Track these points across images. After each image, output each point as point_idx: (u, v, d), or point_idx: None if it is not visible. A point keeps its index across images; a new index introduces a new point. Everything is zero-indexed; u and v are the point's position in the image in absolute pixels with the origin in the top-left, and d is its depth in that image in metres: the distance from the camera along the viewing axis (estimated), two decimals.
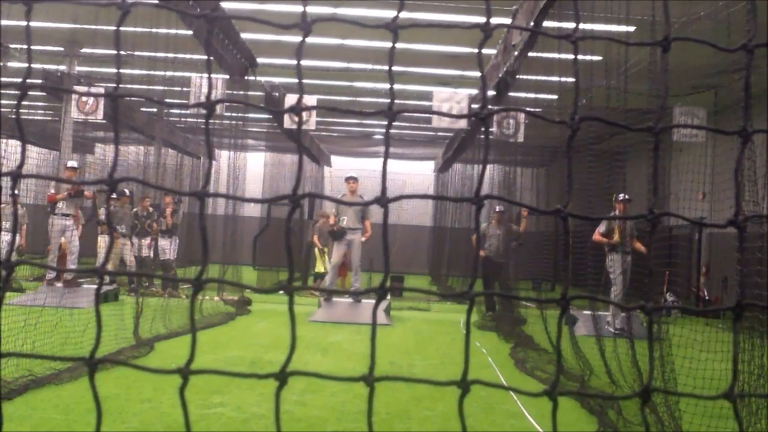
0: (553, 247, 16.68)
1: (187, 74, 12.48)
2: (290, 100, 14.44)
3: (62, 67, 15.71)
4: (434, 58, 14.35)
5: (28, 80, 1.01)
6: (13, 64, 14.99)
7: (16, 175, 0.97)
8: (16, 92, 1.09)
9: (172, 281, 16.39)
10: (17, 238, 13.37)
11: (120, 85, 1.09)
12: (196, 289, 1.01)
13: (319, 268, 16.57)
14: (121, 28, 1.06)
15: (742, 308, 0.96)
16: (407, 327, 11.19)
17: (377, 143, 23.67)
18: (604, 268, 10.69)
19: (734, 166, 1.06)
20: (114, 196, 14.74)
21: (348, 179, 12.35)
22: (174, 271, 14.71)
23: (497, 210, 13.32)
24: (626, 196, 10.64)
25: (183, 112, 16.36)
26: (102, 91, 12.30)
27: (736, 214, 0.97)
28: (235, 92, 13.38)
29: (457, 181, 22.14)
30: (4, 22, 10.74)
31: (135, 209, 14.18)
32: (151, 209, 14.36)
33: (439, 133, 21.71)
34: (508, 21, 9.99)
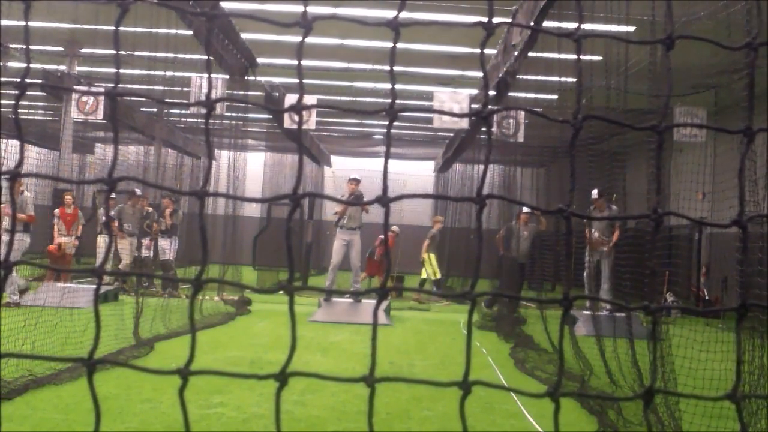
0: (553, 246, 16.64)
1: (187, 74, 12.48)
2: (290, 100, 14.42)
3: (62, 67, 15.70)
4: (434, 58, 14.34)
5: (27, 80, 1.00)
6: (13, 64, 14.98)
7: (15, 174, 0.97)
8: (15, 92, 1.08)
9: (172, 281, 16.38)
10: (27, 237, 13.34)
11: (120, 85, 1.08)
12: (195, 289, 1.01)
13: (426, 274, 16.28)
14: (121, 28, 1.05)
15: (747, 309, 0.96)
16: (407, 327, 11.18)
17: (377, 143, 23.66)
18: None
19: (738, 166, 1.05)
20: (113, 195, 14.76)
21: (350, 180, 12.33)
22: (174, 272, 14.71)
23: (525, 211, 13.16)
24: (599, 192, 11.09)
25: (183, 112, 16.35)
26: (102, 90, 12.28)
27: (740, 214, 0.96)
28: (235, 92, 13.37)
29: (457, 181, 22.12)
30: (4, 22, 10.73)
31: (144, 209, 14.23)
32: (150, 209, 14.37)
33: (439, 133, 21.70)
34: (508, 21, 9.98)
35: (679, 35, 0.96)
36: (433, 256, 16.16)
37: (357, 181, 12.28)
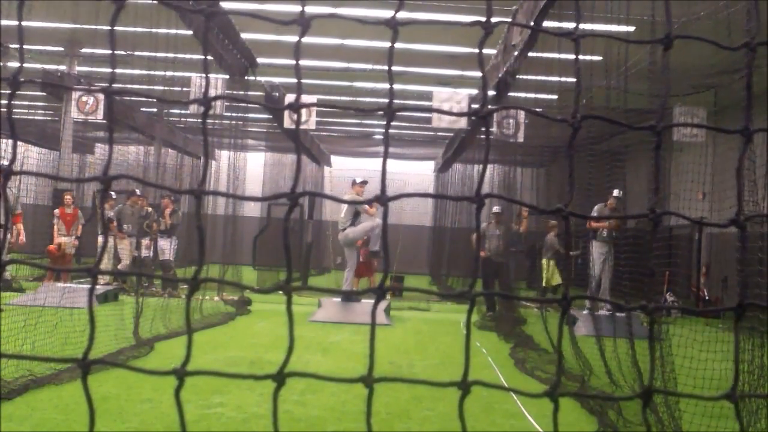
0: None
1: (187, 74, 12.48)
2: (290, 99, 14.33)
3: (62, 67, 15.70)
4: (434, 58, 14.34)
5: (21, 77, 1.00)
6: (13, 64, 14.99)
7: (8, 173, 0.96)
8: (8, 91, 1.08)
9: (171, 281, 16.38)
10: (9, 236, 13.37)
11: (119, 85, 1.08)
12: (191, 288, 1.01)
13: (556, 279, 15.61)
14: (122, 28, 1.05)
15: (744, 308, 0.95)
16: (407, 327, 11.18)
17: (377, 143, 23.67)
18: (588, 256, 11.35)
19: (736, 165, 1.05)
20: (113, 195, 14.75)
21: (359, 183, 11.87)
22: (173, 271, 14.71)
23: (494, 211, 13.33)
24: (620, 193, 11.05)
25: (183, 112, 16.35)
26: (99, 89, 12.26)
27: (738, 214, 0.96)
28: (235, 92, 13.37)
29: (457, 181, 22.13)
30: (4, 22, 10.72)
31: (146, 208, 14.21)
32: (150, 209, 14.37)
33: (439, 133, 21.71)
34: (507, 20, 9.98)
35: (678, 35, 0.96)
36: (552, 262, 15.61)
37: (365, 183, 11.96)
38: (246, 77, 12.80)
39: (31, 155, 18.59)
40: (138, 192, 14.09)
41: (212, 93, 11.36)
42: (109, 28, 1.05)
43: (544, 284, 15.52)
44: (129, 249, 13.84)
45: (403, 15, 1.08)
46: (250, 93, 13.38)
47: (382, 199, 1.02)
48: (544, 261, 15.71)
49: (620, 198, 11.30)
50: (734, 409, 1.03)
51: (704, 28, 9.12)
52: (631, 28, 9.29)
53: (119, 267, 13.48)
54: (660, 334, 5.67)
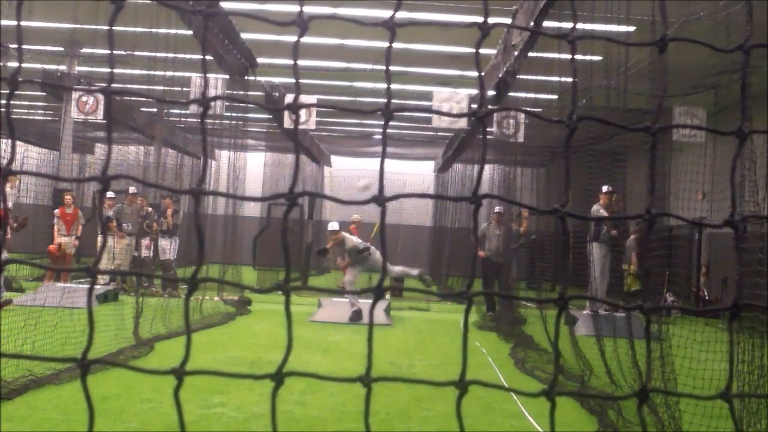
0: (553, 246, 16.61)
1: (187, 74, 12.48)
2: (290, 99, 14.37)
3: (62, 67, 15.71)
4: (434, 58, 14.34)
5: (20, 77, 1.01)
6: (13, 64, 14.98)
7: (6, 173, 0.97)
8: (9, 91, 1.09)
9: (171, 281, 16.38)
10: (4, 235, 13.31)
11: (119, 85, 1.09)
12: (190, 288, 1.01)
13: (636, 285, 14.85)
14: (122, 28, 1.06)
15: (739, 308, 0.96)
16: (407, 327, 11.18)
17: (377, 143, 23.67)
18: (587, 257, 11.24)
19: (731, 166, 1.06)
20: (113, 195, 14.75)
21: (334, 231, 12.04)
22: (174, 271, 14.70)
23: (496, 211, 13.32)
24: (609, 188, 11.02)
25: (183, 111, 16.35)
26: (98, 88, 12.26)
27: (732, 214, 0.97)
28: (235, 92, 13.38)
29: (457, 181, 22.13)
30: (4, 22, 10.73)
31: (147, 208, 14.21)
32: (150, 209, 14.36)
33: (439, 133, 21.70)
34: (507, 21, 9.99)
35: (672, 38, 0.96)
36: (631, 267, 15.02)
37: (337, 232, 11.94)
38: (246, 77, 12.81)
39: (31, 155, 18.59)
40: (131, 190, 14.06)
41: (212, 93, 11.36)
42: (109, 28, 1.06)
43: (625, 289, 15.03)
44: (126, 248, 13.82)
45: (402, 15, 1.09)
46: (250, 93, 13.38)
47: (380, 200, 1.02)
48: (625, 266, 15.20)
49: (613, 192, 11.30)
50: (729, 408, 1.03)
51: (704, 29, 9.12)
52: (632, 28, 9.30)
53: (114, 266, 13.47)
54: (660, 334, 5.67)
